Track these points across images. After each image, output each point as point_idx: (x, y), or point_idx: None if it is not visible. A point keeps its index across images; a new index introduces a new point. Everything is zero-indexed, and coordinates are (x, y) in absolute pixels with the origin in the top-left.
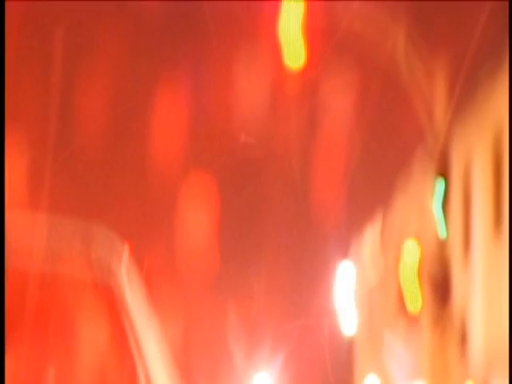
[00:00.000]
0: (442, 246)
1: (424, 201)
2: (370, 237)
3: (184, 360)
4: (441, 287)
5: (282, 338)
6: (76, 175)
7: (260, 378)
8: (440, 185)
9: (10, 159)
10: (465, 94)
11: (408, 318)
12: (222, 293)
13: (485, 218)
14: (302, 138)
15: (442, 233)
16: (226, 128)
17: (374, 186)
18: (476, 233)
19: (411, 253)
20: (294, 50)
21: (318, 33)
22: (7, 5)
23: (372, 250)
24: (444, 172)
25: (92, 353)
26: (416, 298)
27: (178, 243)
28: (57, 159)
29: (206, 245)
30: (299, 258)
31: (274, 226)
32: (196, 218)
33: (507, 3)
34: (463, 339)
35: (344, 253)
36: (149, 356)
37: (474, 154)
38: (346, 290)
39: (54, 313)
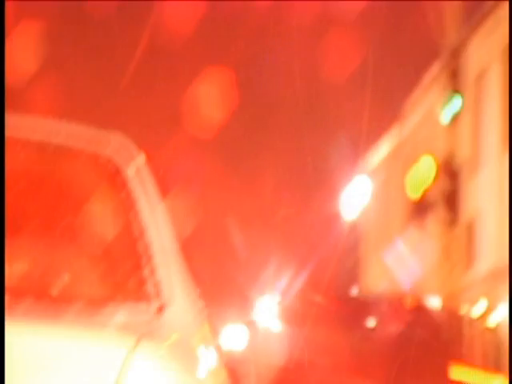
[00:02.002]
0: (454, 158)
1: (437, 115)
2: (384, 149)
3: (188, 253)
4: (451, 198)
5: (291, 233)
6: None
7: (274, 288)
8: (453, 99)
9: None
10: (478, 9)
11: (417, 226)
12: (228, 192)
13: (495, 132)
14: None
15: (453, 145)
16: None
17: (389, 100)
18: (486, 145)
19: (424, 166)
20: None
21: None
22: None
23: (386, 161)
24: (457, 86)
25: (95, 234)
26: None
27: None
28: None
29: (217, 141)
30: (311, 171)
31: (289, 129)
32: (209, 115)
33: (507, 3)
34: (471, 247)
35: (358, 165)
36: (157, 248)
37: (487, 69)
38: (359, 199)
39: (57, 186)
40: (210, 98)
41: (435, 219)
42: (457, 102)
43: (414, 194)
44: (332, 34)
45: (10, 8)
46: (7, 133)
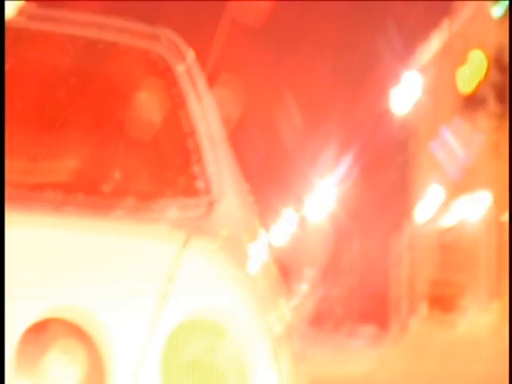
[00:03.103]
0: (504, 53)
1: (489, 10)
2: (435, 44)
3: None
4: (502, 92)
5: (346, 139)
6: None
7: (324, 182)
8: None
9: None
10: None
11: (468, 119)
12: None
13: None
14: None
15: (504, 39)
16: None
17: None
18: None
19: (475, 60)
20: None
21: None
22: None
23: (436, 56)
24: None
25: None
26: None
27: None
28: None
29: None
30: (364, 60)
31: (339, 23)
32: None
33: (507, 3)
34: None
35: (409, 61)
36: (204, 143)
37: None
38: (409, 94)
39: (110, 83)
40: None
41: (486, 113)
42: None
43: (466, 89)
44: None
45: None
46: (55, 28)
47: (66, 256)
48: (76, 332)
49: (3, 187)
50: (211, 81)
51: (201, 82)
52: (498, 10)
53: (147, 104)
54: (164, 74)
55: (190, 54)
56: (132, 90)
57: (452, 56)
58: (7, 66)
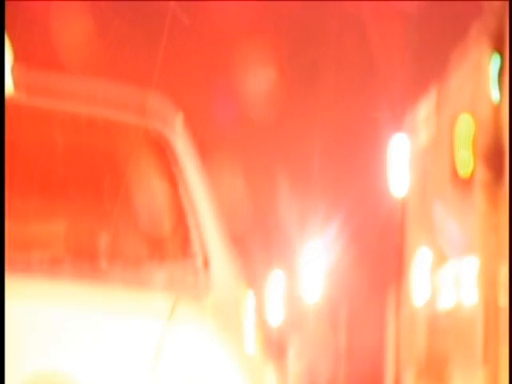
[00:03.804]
0: (497, 118)
1: (479, 76)
2: (425, 110)
3: (234, 220)
4: (494, 157)
5: (335, 205)
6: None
7: (313, 246)
8: (495, 60)
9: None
10: None
11: (460, 186)
12: (275, 157)
13: None
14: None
15: (495, 101)
16: None
17: (429, 60)
18: None
19: (465, 126)
20: None
21: None
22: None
23: (426, 122)
24: (500, 47)
25: (142, 201)
26: (468, 164)
27: (232, 109)
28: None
29: (263, 108)
30: (353, 127)
31: (330, 96)
32: (253, 83)
33: (507, 3)
34: None
35: (398, 125)
36: (199, 209)
37: None
38: (399, 160)
39: (106, 158)
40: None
41: (484, 194)
42: (496, 62)
43: (464, 171)
44: None
45: None
46: (54, 105)
47: (53, 326)
48: None
49: (3, 191)
50: (201, 147)
51: (191, 148)
52: (487, 76)
53: (144, 176)
54: (162, 149)
55: (179, 118)
56: (128, 165)
57: (442, 120)
58: (9, 140)
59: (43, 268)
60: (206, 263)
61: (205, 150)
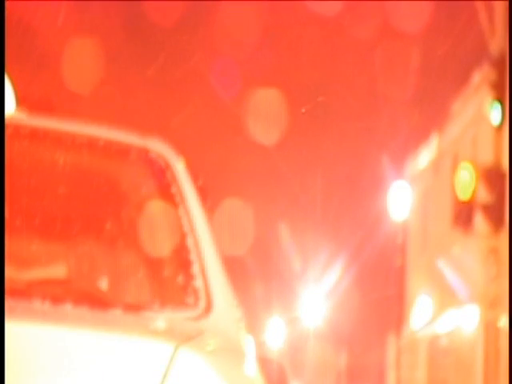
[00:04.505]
0: (498, 170)
1: (479, 125)
2: (425, 159)
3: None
4: (495, 212)
5: (337, 250)
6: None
7: (315, 288)
8: (496, 109)
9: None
10: None
11: (461, 240)
12: (275, 203)
13: None
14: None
15: (496, 152)
16: None
17: (429, 109)
18: None
19: (465, 176)
20: None
21: None
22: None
23: (426, 171)
24: (500, 96)
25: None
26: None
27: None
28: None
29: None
30: (355, 176)
31: (334, 143)
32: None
33: (507, 3)
34: None
35: (399, 173)
36: (201, 244)
37: None
38: (401, 208)
39: (106, 179)
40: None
41: (483, 219)
42: (497, 111)
43: (464, 196)
44: (384, 44)
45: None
46: (55, 125)
47: (53, 368)
48: None
49: (3, 191)
50: (203, 192)
51: (193, 192)
52: (496, 116)
53: (147, 214)
54: (163, 174)
55: (181, 163)
56: (132, 199)
57: (444, 169)
58: (8, 162)
59: (44, 311)
60: (208, 309)
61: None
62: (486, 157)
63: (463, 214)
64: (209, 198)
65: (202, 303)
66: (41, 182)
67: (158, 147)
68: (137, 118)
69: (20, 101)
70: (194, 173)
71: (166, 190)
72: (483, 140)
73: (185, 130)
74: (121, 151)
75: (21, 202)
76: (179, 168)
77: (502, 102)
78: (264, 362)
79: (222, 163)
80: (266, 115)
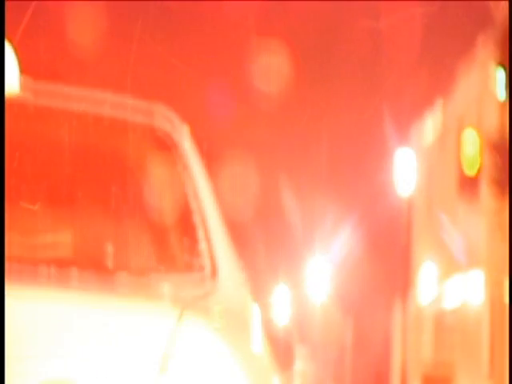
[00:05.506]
0: (504, 133)
1: (484, 89)
2: (430, 124)
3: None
4: (500, 182)
5: (343, 216)
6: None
7: (317, 260)
8: (500, 73)
9: None
10: None
11: (466, 202)
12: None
13: None
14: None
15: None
16: None
17: (435, 74)
18: None
19: (470, 140)
20: None
21: None
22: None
23: (432, 136)
24: (504, 61)
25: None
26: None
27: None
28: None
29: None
30: (360, 142)
31: (338, 109)
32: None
33: (507, 3)
34: None
35: (404, 139)
36: (206, 214)
37: None
38: (405, 174)
39: (112, 157)
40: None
41: (488, 194)
42: (501, 75)
43: (470, 171)
44: (390, 7)
45: None
46: (61, 104)
47: (61, 332)
48: None
49: (3, 192)
50: (208, 157)
51: (197, 157)
52: (496, 89)
53: (152, 181)
54: (170, 150)
55: (185, 129)
56: (138, 167)
57: (446, 135)
58: (15, 141)
59: (51, 276)
60: (213, 273)
61: (211, 152)
62: (491, 123)
63: (469, 188)
64: (213, 162)
65: (208, 266)
66: (48, 154)
67: (163, 112)
68: (143, 81)
69: (24, 68)
70: (199, 138)
71: (171, 158)
72: (488, 106)
73: (189, 90)
74: (127, 129)
75: (27, 171)
76: (184, 135)
77: (505, 67)
78: (269, 326)
79: (230, 131)
80: (270, 68)
